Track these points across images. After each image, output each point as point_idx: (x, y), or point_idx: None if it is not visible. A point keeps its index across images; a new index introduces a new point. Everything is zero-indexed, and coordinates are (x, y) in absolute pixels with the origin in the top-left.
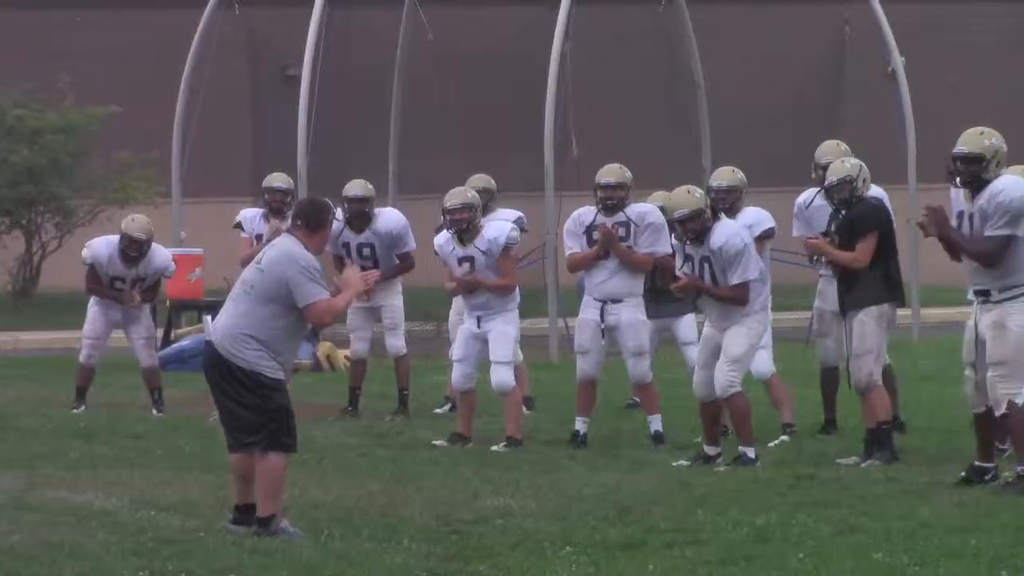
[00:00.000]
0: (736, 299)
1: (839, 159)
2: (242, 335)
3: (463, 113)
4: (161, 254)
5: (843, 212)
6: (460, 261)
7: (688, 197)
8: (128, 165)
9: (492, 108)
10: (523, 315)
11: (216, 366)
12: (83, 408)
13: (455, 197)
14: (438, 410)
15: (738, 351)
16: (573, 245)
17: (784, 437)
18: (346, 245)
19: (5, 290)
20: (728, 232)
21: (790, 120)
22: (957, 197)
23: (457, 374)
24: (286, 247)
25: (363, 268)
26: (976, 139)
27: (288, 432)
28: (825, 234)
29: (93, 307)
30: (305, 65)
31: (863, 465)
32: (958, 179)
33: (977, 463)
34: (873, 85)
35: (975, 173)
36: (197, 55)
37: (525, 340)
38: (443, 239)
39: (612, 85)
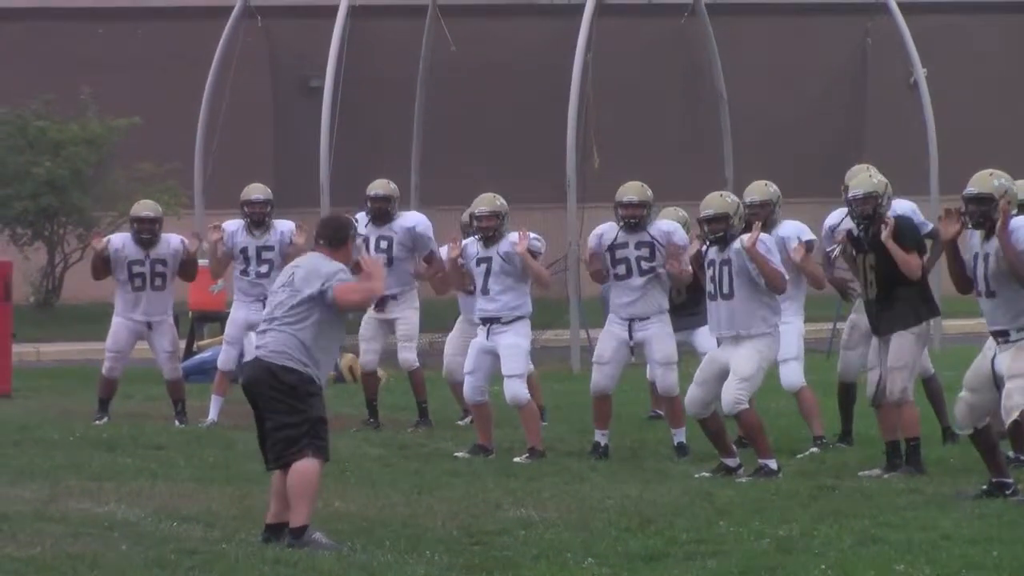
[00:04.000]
0: (774, 281)
1: (866, 172)
2: (291, 344)
3: (485, 124)
4: (175, 237)
5: (869, 229)
6: (478, 262)
7: (719, 200)
8: (150, 177)
9: (514, 119)
10: (545, 326)
11: (263, 380)
12: (105, 419)
13: (483, 204)
14: (460, 422)
15: (748, 370)
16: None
17: (814, 449)
18: (365, 240)
19: (27, 301)
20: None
21: (813, 131)
22: (973, 238)
23: (468, 387)
24: (314, 262)
25: None
26: (985, 180)
27: (325, 440)
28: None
29: (116, 319)
30: (327, 76)
31: (885, 476)
32: (969, 220)
33: (995, 479)
34: (895, 96)
35: (985, 213)
36: (219, 66)
37: (547, 352)
38: (468, 240)
39: (634, 96)
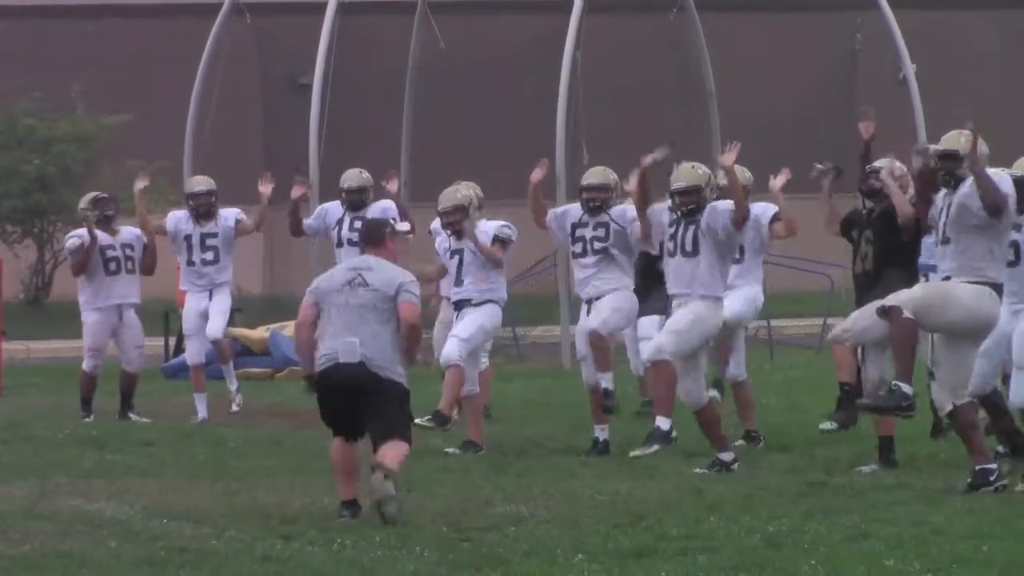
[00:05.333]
0: (742, 209)
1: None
2: (388, 353)
3: (475, 121)
4: (133, 229)
5: (873, 206)
6: (451, 254)
7: (691, 172)
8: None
9: (504, 116)
10: (535, 323)
11: (363, 382)
12: (91, 417)
13: (445, 200)
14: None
15: (682, 325)
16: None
17: (741, 441)
18: (340, 222)
19: (17, 299)
20: (723, 203)
21: (802, 128)
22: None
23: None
24: (385, 268)
25: (350, 241)
26: (954, 138)
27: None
28: (852, 231)
29: (91, 314)
30: (316, 73)
31: (865, 470)
32: (939, 178)
33: (977, 467)
34: (884, 92)
35: (950, 169)
36: (208, 64)
37: (536, 348)
38: (443, 235)
39: (624, 93)
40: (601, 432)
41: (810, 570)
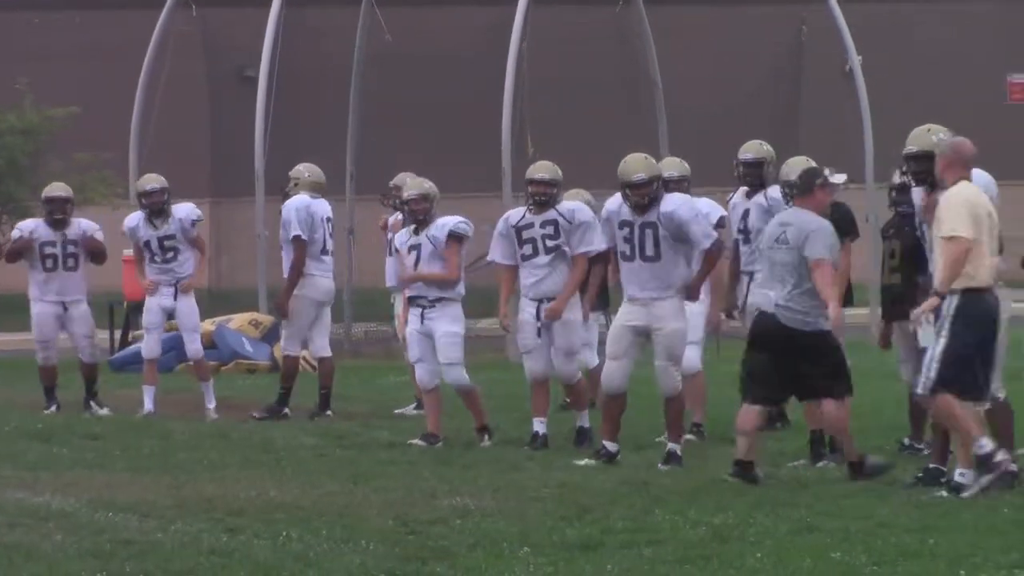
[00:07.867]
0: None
1: (802, 157)
2: (807, 303)
3: (421, 114)
4: (85, 221)
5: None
6: (409, 249)
7: (645, 163)
8: (87, 166)
9: (450, 108)
10: (480, 316)
11: (782, 336)
12: (55, 408)
13: (413, 187)
14: (398, 411)
15: (679, 350)
16: (496, 252)
17: (690, 436)
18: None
19: None
20: (679, 200)
21: (748, 120)
22: (918, 196)
23: (422, 373)
24: (802, 225)
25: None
26: (924, 137)
27: (844, 380)
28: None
29: (35, 306)
30: (262, 66)
31: (819, 466)
32: (910, 178)
33: (932, 465)
34: (830, 84)
35: (927, 170)
36: (154, 56)
37: (482, 341)
38: (403, 231)
39: (570, 85)
40: (541, 426)
41: (756, 563)
